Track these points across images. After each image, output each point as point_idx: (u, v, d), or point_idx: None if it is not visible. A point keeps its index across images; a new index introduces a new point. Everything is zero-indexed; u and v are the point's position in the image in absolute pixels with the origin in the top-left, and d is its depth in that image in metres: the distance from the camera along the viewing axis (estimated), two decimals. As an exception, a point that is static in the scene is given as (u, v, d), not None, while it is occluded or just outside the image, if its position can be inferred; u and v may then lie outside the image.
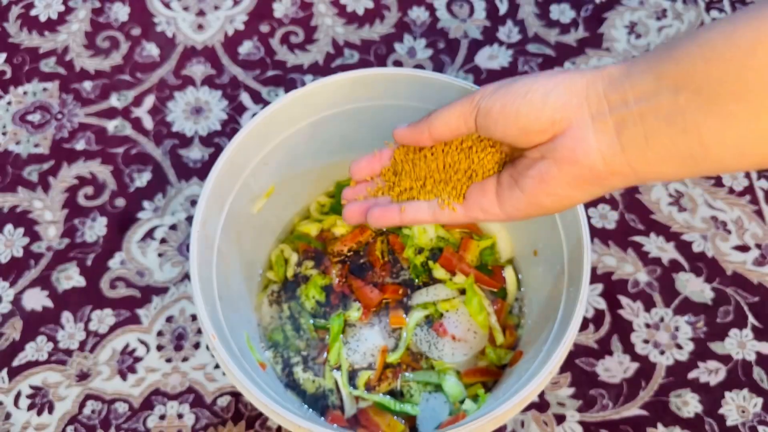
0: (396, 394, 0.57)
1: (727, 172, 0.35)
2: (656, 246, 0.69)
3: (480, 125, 0.34)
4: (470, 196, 0.36)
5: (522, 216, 0.34)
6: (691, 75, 0.27)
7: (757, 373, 0.63)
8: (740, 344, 0.65)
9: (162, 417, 0.61)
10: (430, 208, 0.38)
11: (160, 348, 0.64)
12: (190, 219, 0.71)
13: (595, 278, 0.68)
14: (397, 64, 0.80)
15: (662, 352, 0.64)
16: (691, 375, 0.63)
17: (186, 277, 0.68)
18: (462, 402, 0.56)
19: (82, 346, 0.64)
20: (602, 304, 0.67)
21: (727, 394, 0.63)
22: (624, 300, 0.67)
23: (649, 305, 0.67)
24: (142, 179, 0.73)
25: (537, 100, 0.31)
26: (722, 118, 0.27)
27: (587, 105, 0.31)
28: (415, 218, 0.38)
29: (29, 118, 0.76)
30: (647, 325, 0.66)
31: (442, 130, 0.35)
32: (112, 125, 0.76)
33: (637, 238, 0.70)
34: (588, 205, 0.72)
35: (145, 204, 0.71)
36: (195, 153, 0.74)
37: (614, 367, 0.64)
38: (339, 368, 0.57)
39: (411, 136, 0.37)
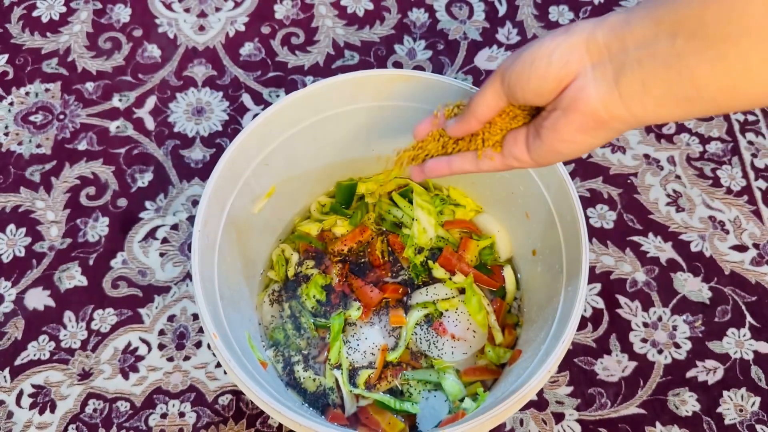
0: (396, 393, 0.58)
1: (721, 112, 0.37)
2: (654, 246, 0.70)
3: (508, 96, 0.37)
4: (506, 147, 0.39)
5: (547, 161, 0.38)
6: (687, 19, 0.29)
7: (755, 372, 0.64)
8: (738, 343, 0.65)
9: (163, 415, 0.62)
10: (474, 159, 0.42)
11: (161, 347, 0.65)
12: (191, 219, 0.71)
13: (593, 278, 0.68)
14: (397, 65, 0.80)
15: (660, 351, 0.65)
16: (689, 374, 0.64)
17: (187, 276, 0.68)
18: (461, 400, 0.56)
19: (84, 345, 0.65)
20: (600, 304, 0.67)
21: (725, 392, 0.63)
22: (622, 299, 0.67)
23: (647, 304, 0.67)
24: (143, 179, 0.73)
25: (542, 66, 0.34)
26: (714, 61, 0.28)
27: (588, 56, 0.32)
28: (461, 167, 0.42)
29: (31, 118, 0.77)
30: (645, 325, 0.66)
31: (485, 112, 0.39)
32: (114, 126, 0.76)
33: (636, 238, 0.70)
34: (587, 205, 0.72)
35: (147, 204, 0.72)
36: (196, 153, 0.75)
37: (612, 366, 0.64)
38: (339, 367, 0.58)
39: (462, 127, 0.41)
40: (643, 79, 0.31)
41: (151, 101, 0.78)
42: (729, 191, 0.73)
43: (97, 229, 0.70)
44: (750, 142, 0.76)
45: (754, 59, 0.27)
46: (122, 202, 0.72)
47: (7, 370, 0.64)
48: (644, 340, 0.65)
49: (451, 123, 0.42)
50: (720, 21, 0.28)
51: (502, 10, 0.84)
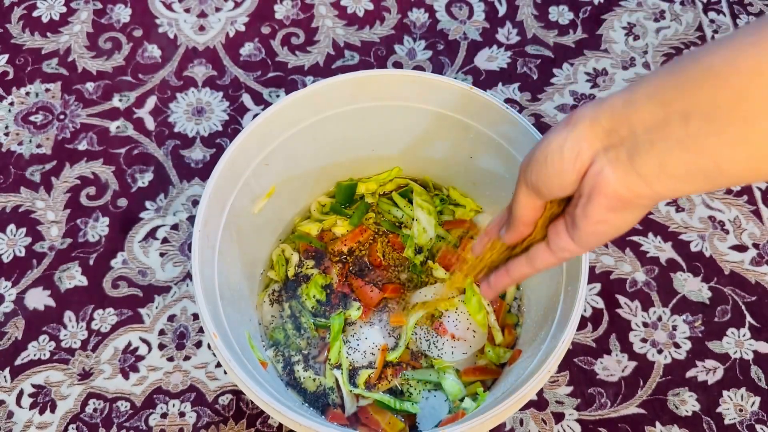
0: (396, 393, 0.58)
1: (745, 183, 0.37)
2: (654, 245, 0.70)
3: (537, 194, 0.38)
4: (552, 241, 0.40)
5: (593, 244, 0.38)
6: (698, 102, 0.28)
7: (755, 371, 0.64)
8: (738, 343, 0.65)
9: (164, 415, 0.62)
10: (527, 262, 0.42)
11: (161, 347, 0.65)
12: (191, 219, 0.71)
13: (593, 278, 0.68)
14: (397, 65, 0.81)
15: (660, 351, 0.65)
16: (689, 374, 0.64)
17: (187, 276, 0.68)
18: (461, 400, 0.57)
19: (84, 345, 0.65)
20: (600, 304, 0.67)
21: (724, 392, 0.63)
22: (622, 299, 0.67)
23: (647, 304, 0.67)
24: (144, 179, 0.73)
25: (556, 161, 0.34)
26: (734, 142, 0.28)
27: (598, 141, 0.32)
28: (520, 272, 0.43)
29: (32, 118, 0.77)
30: (645, 324, 0.66)
31: (528, 214, 0.40)
32: (114, 126, 0.76)
33: (635, 238, 0.70)
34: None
35: (147, 204, 0.72)
36: (196, 153, 0.75)
37: (612, 366, 0.64)
38: (339, 367, 0.58)
39: (514, 235, 0.42)
40: (660, 160, 0.30)
41: (151, 101, 0.78)
42: (729, 191, 0.73)
43: (98, 229, 0.71)
44: (750, 142, 0.76)
45: None
46: (122, 202, 0.72)
47: (7, 370, 0.64)
48: (644, 340, 0.65)
49: (504, 233, 0.43)
50: (736, 103, 0.27)
51: (502, 10, 0.84)
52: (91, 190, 0.73)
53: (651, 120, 0.30)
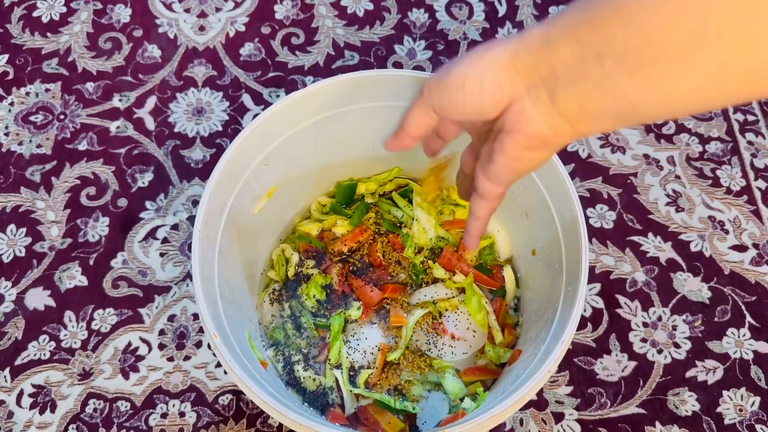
0: (396, 393, 0.58)
1: (665, 120, 0.37)
2: (654, 246, 0.70)
3: (440, 116, 0.38)
4: (462, 187, 0.40)
5: (507, 182, 0.38)
6: (611, 43, 0.28)
7: (755, 371, 0.64)
8: (738, 343, 0.65)
9: (164, 415, 0.62)
10: (476, 197, 0.41)
11: (162, 347, 0.65)
12: (191, 219, 0.71)
13: (593, 277, 0.68)
14: (397, 65, 0.81)
15: (660, 351, 0.65)
16: (689, 374, 0.64)
17: (188, 276, 0.68)
18: (461, 400, 0.57)
19: (84, 345, 0.65)
20: (600, 303, 0.67)
21: (724, 392, 0.63)
22: (622, 299, 0.67)
23: (647, 304, 0.67)
24: (144, 179, 0.73)
25: (475, 90, 0.33)
26: (646, 83, 0.28)
27: (519, 77, 0.32)
28: (481, 212, 0.42)
29: (32, 118, 0.77)
30: (645, 324, 0.66)
31: (417, 129, 0.40)
32: (114, 126, 0.76)
33: (635, 238, 0.70)
34: (586, 205, 0.72)
35: (147, 204, 0.72)
36: (197, 153, 0.75)
37: (612, 366, 0.64)
38: (339, 366, 0.58)
39: (396, 143, 0.42)
40: (578, 100, 0.30)
41: (151, 101, 0.78)
42: (729, 191, 0.73)
43: (98, 229, 0.71)
44: (750, 142, 0.76)
45: (686, 83, 0.27)
46: (122, 202, 0.72)
47: (7, 370, 0.64)
48: (644, 340, 0.65)
49: (387, 139, 0.43)
50: (646, 45, 0.27)
51: (502, 10, 0.84)
52: (91, 190, 0.73)
53: (569, 60, 0.30)
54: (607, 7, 0.28)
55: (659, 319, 0.66)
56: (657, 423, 0.62)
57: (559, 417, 0.62)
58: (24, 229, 0.71)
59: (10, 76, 0.80)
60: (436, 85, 0.36)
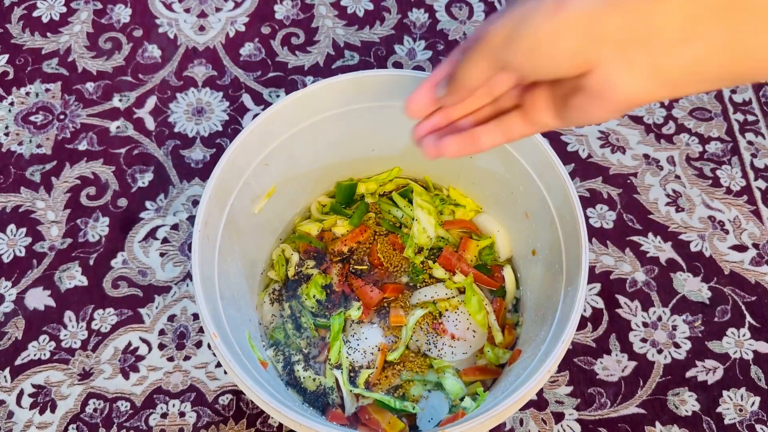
0: (396, 393, 0.58)
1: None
2: (654, 246, 0.70)
3: (506, 74, 0.33)
4: (533, 114, 0.36)
5: (576, 125, 0.35)
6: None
7: (755, 371, 0.64)
8: (738, 343, 0.65)
9: (164, 415, 0.62)
10: (501, 131, 0.38)
11: (162, 347, 0.65)
12: (191, 219, 0.71)
13: (593, 277, 0.68)
14: (397, 65, 0.81)
15: (660, 351, 0.65)
16: (689, 374, 0.64)
17: (188, 276, 0.68)
18: (461, 400, 0.57)
19: (84, 345, 0.65)
20: (600, 303, 0.67)
21: (724, 392, 0.63)
22: (622, 299, 0.67)
23: (647, 304, 0.67)
24: (144, 179, 0.73)
25: (550, 55, 0.29)
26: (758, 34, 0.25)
27: (605, 42, 0.28)
28: (493, 142, 0.39)
29: (32, 118, 0.77)
30: (645, 324, 0.66)
31: (478, 85, 0.35)
32: (114, 126, 0.76)
33: (635, 238, 0.70)
34: (587, 205, 0.72)
35: (147, 204, 0.72)
36: (197, 153, 0.75)
37: (612, 366, 0.64)
38: (339, 366, 0.58)
39: (455, 99, 0.37)
40: (693, 64, 0.27)
41: (151, 101, 0.78)
42: (729, 191, 0.73)
43: (98, 229, 0.71)
44: (750, 142, 0.76)
45: None
46: (122, 202, 0.72)
47: (7, 370, 0.64)
48: (644, 340, 0.65)
49: (443, 94, 0.37)
50: None
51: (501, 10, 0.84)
52: (91, 190, 0.73)
53: (680, 17, 0.26)
54: None
55: (659, 319, 0.66)
56: (657, 423, 0.62)
57: (559, 417, 0.62)
58: (24, 229, 0.71)
59: (10, 76, 0.80)
60: (503, 39, 0.31)
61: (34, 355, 0.65)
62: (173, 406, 0.62)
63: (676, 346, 0.65)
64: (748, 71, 0.27)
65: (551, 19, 0.28)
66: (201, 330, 0.66)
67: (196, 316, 0.66)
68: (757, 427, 0.62)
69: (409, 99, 0.40)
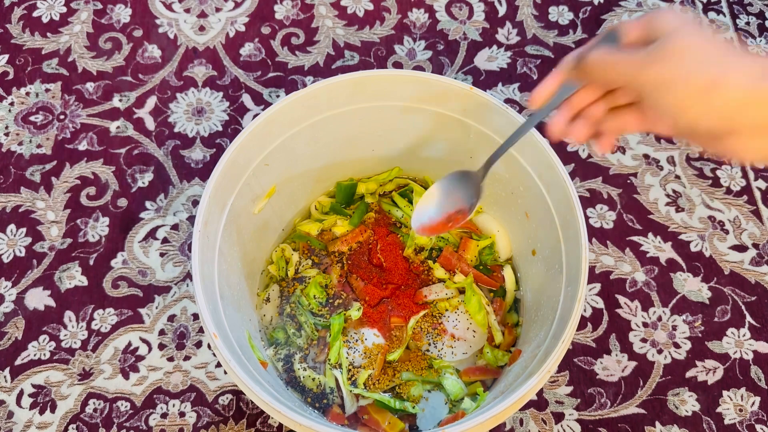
0: (396, 393, 0.58)
1: None
2: (654, 246, 0.70)
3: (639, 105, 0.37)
4: (648, 121, 0.38)
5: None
6: None
7: (755, 371, 0.64)
8: (738, 343, 0.65)
9: (164, 415, 0.62)
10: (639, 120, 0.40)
11: (161, 347, 0.65)
12: (191, 219, 0.71)
13: (593, 278, 0.68)
14: (397, 65, 0.81)
15: (660, 351, 0.65)
16: (689, 374, 0.64)
17: (188, 276, 0.68)
18: (461, 400, 0.57)
19: (84, 345, 0.65)
20: (600, 303, 0.67)
21: (724, 392, 0.63)
22: (622, 299, 0.67)
23: (646, 304, 0.67)
24: (144, 179, 0.73)
25: (694, 115, 0.31)
26: None
27: (756, 114, 0.30)
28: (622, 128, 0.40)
29: (32, 118, 0.77)
30: (645, 324, 0.66)
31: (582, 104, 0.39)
32: (114, 126, 0.76)
33: (635, 238, 0.70)
34: (586, 205, 0.72)
35: (147, 204, 0.72)
36: (197, 154, 0.75)
37: (612, 366, 0.64)
38: (339, 366, 0.58)
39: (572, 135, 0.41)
40: None
41: (151, 101, 0.78)
42: (729, 191, 0.73)
43: (98, 229, 0.71)
44: (750, 142, 0.76)
45: None
46: (122, 202, 0.72)
47: (7, 370, 0.64)
48: (644, 340, 0.65)
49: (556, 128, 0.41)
50: None
51: (501, 10, 0.84)
52: (91, 190, 0.73)
53: None
54: None
55: (659, 319, 0.66)
56: (657, 423, 0.62)
57: (559, 417, 0.62)
58: (24, 229, 0.71)
59: (10, 76, 0.80)
60: (654, 84, 0.32)
61: (34, 355, 0.65)
62: (173, 406, 0.62)
63: (676, 346, 0.65)
64: None
65: (717, 82, 0.30)
66: (201, 330, 0.66)
67: (196, 316, 0.66)
68: (757, 427, 0.62)
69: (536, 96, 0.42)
